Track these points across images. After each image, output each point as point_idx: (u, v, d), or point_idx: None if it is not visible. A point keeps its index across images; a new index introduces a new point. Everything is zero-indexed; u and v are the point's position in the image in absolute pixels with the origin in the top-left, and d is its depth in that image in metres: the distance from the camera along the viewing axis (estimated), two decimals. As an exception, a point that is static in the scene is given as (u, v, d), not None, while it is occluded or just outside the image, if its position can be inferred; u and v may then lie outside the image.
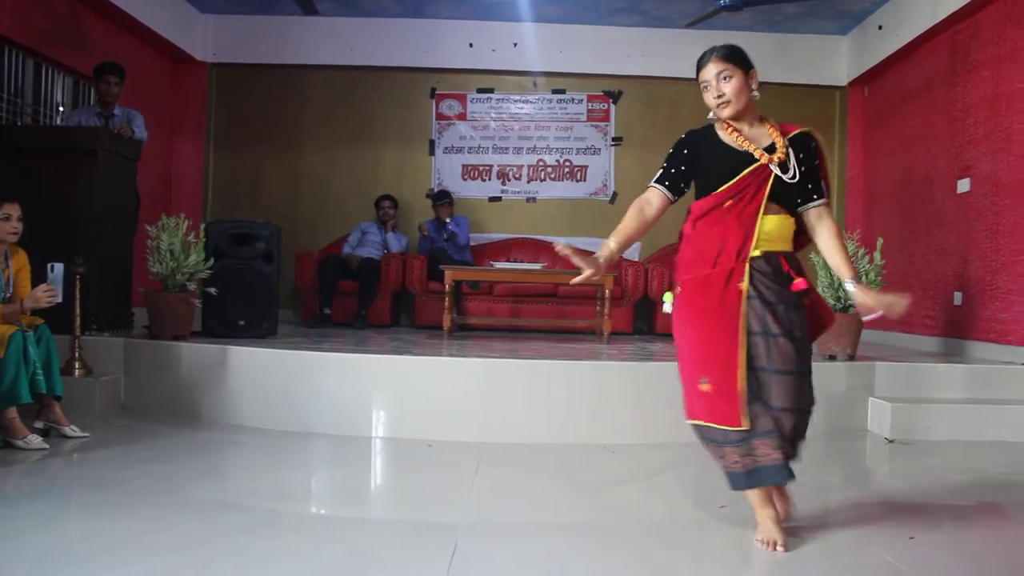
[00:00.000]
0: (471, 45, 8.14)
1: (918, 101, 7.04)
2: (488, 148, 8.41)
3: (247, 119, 8.33)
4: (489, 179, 8.41)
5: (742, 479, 2.71)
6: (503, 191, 8.40)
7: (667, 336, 7.25)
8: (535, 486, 3.47)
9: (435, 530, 2.80)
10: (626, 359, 4.92)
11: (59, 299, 3.95)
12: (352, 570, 2.41)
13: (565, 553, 2.62)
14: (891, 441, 4.57)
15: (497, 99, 8.40)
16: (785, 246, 2.84)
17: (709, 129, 2.89)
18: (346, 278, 7.16)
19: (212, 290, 5.22)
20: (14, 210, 3.95)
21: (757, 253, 2.73)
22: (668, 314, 2.88)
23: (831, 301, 5.13)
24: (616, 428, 4.40)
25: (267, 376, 4.59)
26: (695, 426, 2.80)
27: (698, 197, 2.88)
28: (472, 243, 7.94)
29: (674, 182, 2.91)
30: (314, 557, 2.48)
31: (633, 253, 8.19)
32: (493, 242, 8.19)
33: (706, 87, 2.83)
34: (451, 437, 4.22)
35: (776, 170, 2.76)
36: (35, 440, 3.75)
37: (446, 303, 6.23)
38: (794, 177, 2.79)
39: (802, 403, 2.71)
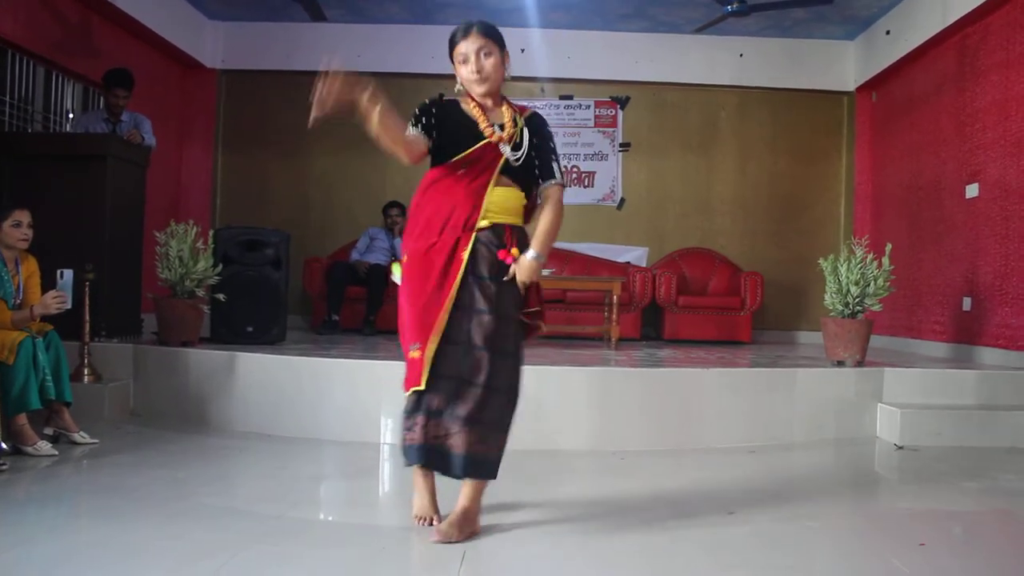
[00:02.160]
0: (479, 51, 8.15)
1: (926, 106, 7.03)
2: (496, 154, 8.41)
3: (256, 125, 8.35)
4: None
5: (413, 453, 2.72)
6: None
7: (676, 342, 7.27)
8: (543, 492, 3.47)
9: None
10: (634, 365, 4.92)
11: (69, 305, 3.97)
12: (361, 577, 2.41)
13: (575, 558, 2.62)
14: (900, 447, 4.55)
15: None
16: (514, 219, 2.85)
17: (454, 102, 2.87)
18: (355, 284, 7.17)
19: (221, 296, 5.23)
20: (24, 217, 3.97)
21: (485, 223, 2.75)
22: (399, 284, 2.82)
23: (839, 307, 5.12)
24: (625, 434, 4.40)
25: (276, 382, 4.60)
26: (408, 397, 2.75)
27: (434, 165, 2.84)
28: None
29: (426, 128, 2.79)
30: (323, 563, 2.48)
31: (641, 259, 8.18)
32: (502, 248, 8.18)
33: (464, 60, 2.80)
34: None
35: (505, 150, 2.78)
36: (44, 446, 3.76)
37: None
38: (519, 159, 2.80)
39: (498, 382, 2.71)
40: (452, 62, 2.86)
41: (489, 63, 2.79)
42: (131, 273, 5.63)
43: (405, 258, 2.81)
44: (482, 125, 2.80)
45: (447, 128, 2.81)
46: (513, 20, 7.85)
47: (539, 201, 2.90)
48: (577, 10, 7.65)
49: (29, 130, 6.05)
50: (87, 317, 4.61)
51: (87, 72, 6.39)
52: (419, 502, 2.89)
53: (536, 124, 2.91)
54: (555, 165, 2.89)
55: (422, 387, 2.67)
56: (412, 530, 2.89)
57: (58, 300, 3.90)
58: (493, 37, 2.81)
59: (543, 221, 2.83)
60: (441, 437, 2.71)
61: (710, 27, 7.11)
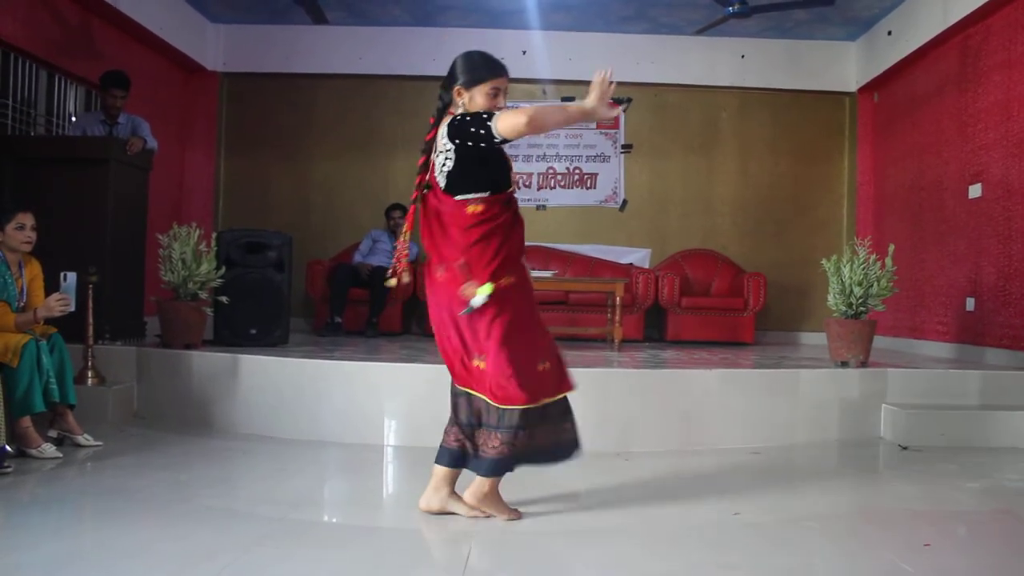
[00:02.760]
0: (480, 53, 8.15)
1: (928, 107, 7.03)
2: (498, 156, 8.41)
3: (258, 128, 8.36)
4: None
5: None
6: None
7: (679, 343, 7.26)
8: (547, 494, 3.46)
9: (449, 537, 2.80)
10: (638, 366, 4.92)
11: (72, 308, 3.98)
12: (365, 578, 2.41)
13: (580, 559, 2.62)
14: (904, 448, 4.54)
15: (507, 107, 8.39)
16: None
17: None
18: (357, 286, 7.17)
19: (224, 299, 5.23)
20: (28, 220, 3.98)
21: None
22: (479, 307, 2.78)
23: (842, 308, 5.11)
24: (628, 435, 4.39)
25: (278, 385, 4.60)
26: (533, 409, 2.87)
27: (495, 192, 2.85)
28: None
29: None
30: (326, 565, 2.48)
31: (643, 260, 8.18)
32: (503, 250, 8.18)
33: (496, 93, 2.88)
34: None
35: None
36: (49, 449, 3.76)
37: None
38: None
39: None
40: (471, 85, 2.87)
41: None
42: (134, 276, 5.63)
43: (513, 278, 2.84)
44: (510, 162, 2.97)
45: (496, 160, 2.90)
46: (514, 22, 7.86)
47: None
48: (578, 12, 7.66)
49: (32, 133, 6.05)
50: (90, 320, 4.62)
51: (89, 75, 6.39)
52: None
53: None
54: None
55: (575, 390, 2.98)
56: (416, 531, 2.89)
57: (62, 303, 3.90)
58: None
59: None
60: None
61: (711, 28, 7.11)
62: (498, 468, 2.89)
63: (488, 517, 2.92)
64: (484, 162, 2.83)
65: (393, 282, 3.03)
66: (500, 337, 2.79)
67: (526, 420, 2.85)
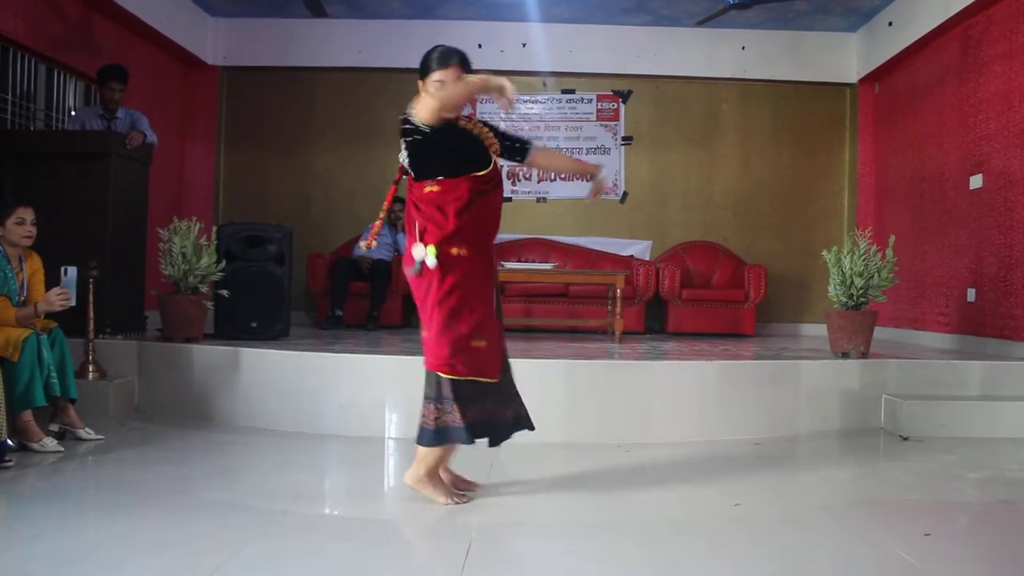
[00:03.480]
0: (480, 46, 8.12)
1: (929, 97, 7.01)
2: (498, 149, 8.40)
3: (257, 121, 8.35)
4: (499, 179, 8.39)
5: (468, 433, 2.98)
6: (513, 191, 8.38)
7: (680, 335, 7.26)
8: (548, 486, 3.47)
9: (449, 530, 2.81)
10: (638, 358, 4.92)
11: (73, 303, 3.98)
12: (366, 570, 2.42)
13: (580, 552, 2.62)
14: (905, 439, 4.55)
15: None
16: None
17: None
18: (357, 279, 7.17)
19: (224, 292, 5.23)
20: (28, 214, 3.98)
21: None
22: (429, 272, 2.94)
23: (843, 299, 5.11)
24: (629, 427, 4.40)
25: (279, 378, 4.60)
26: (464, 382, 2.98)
27: (450, 175, 2.97)
28: (483, 243, 7.92)
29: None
30: (327, 557, 2.49)
31: (644, 252, 8.18)
32: (503, 243, 8.17)
33: (443, 85, 2.98)
34: (463, 437, 4.22)
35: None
36: (50, 443, 3.77)
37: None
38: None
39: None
40: (424, 77, 3.02)
41: None
42: (134, 270, 5.63)
43: (465, 251, 2.95)
44: (487, 140, 3.09)
45: (458, 144, 3.02)
46: (514, 14, 7.84)
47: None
48: (578, 4, 7.64)
49: (31, 128, 6.05)
50: (91, 314, 4.62)
51: (89, 70, 6.38)
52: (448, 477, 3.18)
53: (489, 124, 3.21)
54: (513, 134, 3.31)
55: (496, 380, 3.03)
56: (417, 523, 2.89)
57: (62, 297, 3.90)
58: (467, 66, 3.03)
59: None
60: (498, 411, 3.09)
61: (711, 20, 7.09)
62: (423, 437, 3.00)
63: (463, 499, 3.08)
64: (434, 151, 2.96)
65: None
66: (438, 302, 2.93)
67: (458, 393, 2.96)
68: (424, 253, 2.91)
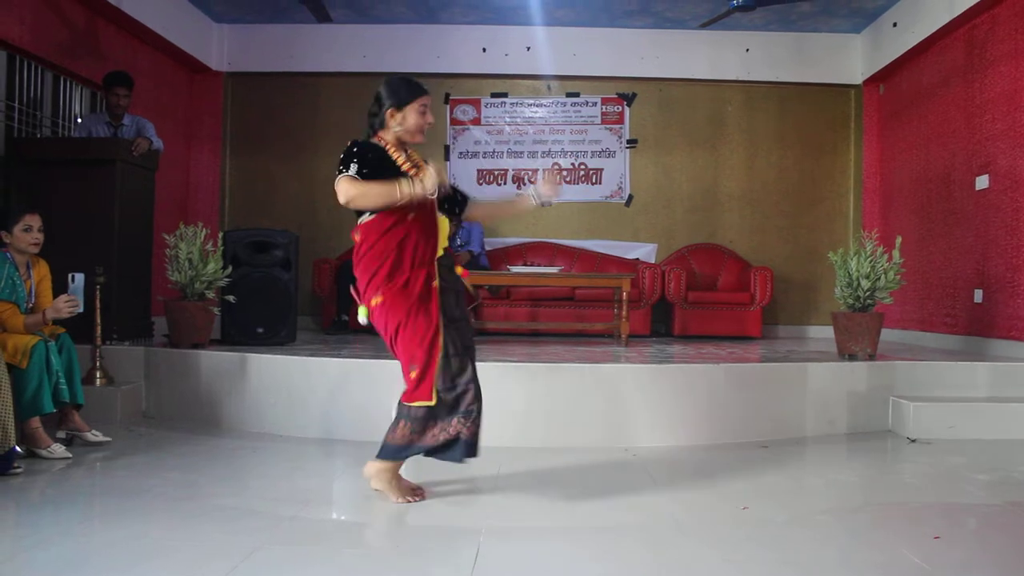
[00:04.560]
0: (484, 50, 8.16)
1: (935, 98, 7.00)
2: (503, 152, 8.42)
3: (263, 127, 8.37)
4: (504, 183, 8.41)
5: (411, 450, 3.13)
6: (518, 195, 8.38)
7: (686, 338, 7.25)
8: (557, 489, 3.47)
9: (458, 534, 2.81)
10: (645, 362, 4.91)
11: (81, 309, 3.99)
12: (375, 575, 2.42)
13: (588, 556, 2.62)
14: (913, 441, 4.54)
15: (511, 103, 8.41)
16: (447, 243, 3.27)
17: (376, 146, 3.17)
18: (363, 284, 7.16)
19: (231, 298, 5.25)
20: (35, 221, 3.99)
21: (441, 252, 3.19)
22: (365, 324, 3.21)
23: (850, 301, 5.11)
24: (636, 431, 4.39)
25: (286, 383, 4.61)
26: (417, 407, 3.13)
27: (376, 212, 3.10)
28: (488, 248, 7.94)
29: (369, 179, 3.05)
30: (336, 562, 2.49)
31: (650, 255, 8.18)
32: (509, 246, 8.19)
33: (424, 111, 3.18)
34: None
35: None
36: (58, 449, 3.78)
37: (463, 308, 6.23)
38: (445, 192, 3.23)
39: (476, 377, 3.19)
40: (400, 106, 3.16)
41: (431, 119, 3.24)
42: (141, 276, 5.65)
43: (380, 299, 3.10)
44: (411, 172, 3.13)
45: (388, 174, 3.07)
46: (518, 18, 7.85)
47: (468, 211, 3.47)
48: (582, 7, 7.64)
49: (38, 135, 6.06)
50: (98, 320, 4.64)
51: (95, 77, 6.41)
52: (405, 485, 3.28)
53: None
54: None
55: (433, 402, 3.09)
56: (426, 527, 2.89)
57: (70, 304, 3.92)
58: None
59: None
60: (450, 431, 3.11)
61: (716, 22, 7.09)
62: (383, 449, 3.19)
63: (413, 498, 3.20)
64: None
65: None
66: (391, 345, 3.17)
67: (409, 415, 3.13)
68: (360, 313, 3.19)
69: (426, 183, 2.97)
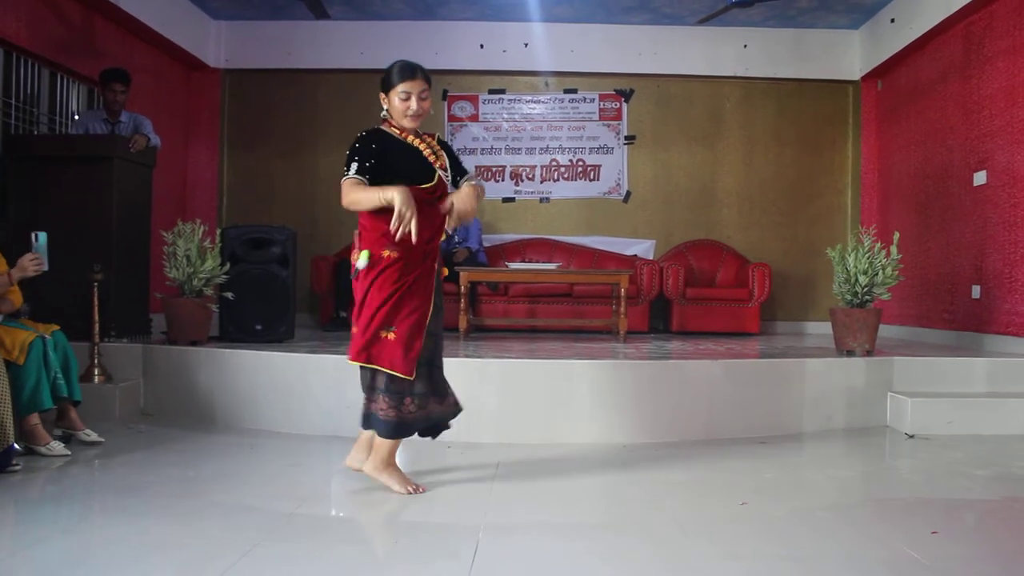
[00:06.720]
0: (482, 46, 8.15)
1: (932, 94, 7.00)
2: (501, 149, 8.42)
3: (261, 124, 8.37)
4: (502, 180, 8.41)
5: (404, 428, 3.20)
6: (516, 192, 8.40)
7: (684, 334, 7.26)
8: (555, 486, 3.47)
9: (456, 531, 2.81)
10: (643, 358, 4.91)
11: (46, 267, 3.84)
12: (374, 571, 2.42)
13: (588, 552, 2.62)
14: (911, 436, 4.54)
15: (509, 100, 8.41)
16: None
17: (382, 131, 3.22)
18: (361, 281, 7.16)
19: (229, 295, 5.24)
20: None
21: (443, 237, 3.29)
22: (361, 268, 3.15)
23: (848, 297, 5.11)
24: (634, 427, 4.40)
25: (285, 380, 4.61)
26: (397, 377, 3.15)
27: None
28: (486, 244, 7.94)
29: (371, 172, 3.11)
30: (334, 559, 2.49)
31: (648, 251, 8.18)
32: (507, 243, 8.19)
33: (406, 96, 3.15)
34: (470, 439, 4.21)
35: (445, 174, 3.26)
36: (57, 446, 3.77)
37: (461, 304, 6.24)
38: (449, 175, 3.29)
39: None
40: (387, 90, 3.20)
41: (426, 105, 3.20)
42: (139, 273, 5.64)
43: (396, 253, 3.08)
44: (427, 155, 3.20)
45: (392, 159, 3.13)
46: (516, 15, 7.85)
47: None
48: (580, 3, 7.64)
49: (35, 132, 6.06)
50: (96, 318, 4.63)
51: (92, 74, 6.39)
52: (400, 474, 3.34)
53: (446, 144, 3.37)
54: (462, 164, 3.40)
55: (412, 377, 3.13)
56: (425, 523, 2.90)
57: (35, 263, 3.78)
58: (430, 84, 3.24)
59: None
60: (426, 409, 3.23)
61: (713, 18, 7.09)
62: (367, 421, 3.24)
63: (420, 488, 3.28)
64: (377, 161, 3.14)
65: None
66: (363, 299, 3.14)
67: (391, 387, 3.14)
68: (360, 258, 3.14)
69: (403, 227, 2.95)
